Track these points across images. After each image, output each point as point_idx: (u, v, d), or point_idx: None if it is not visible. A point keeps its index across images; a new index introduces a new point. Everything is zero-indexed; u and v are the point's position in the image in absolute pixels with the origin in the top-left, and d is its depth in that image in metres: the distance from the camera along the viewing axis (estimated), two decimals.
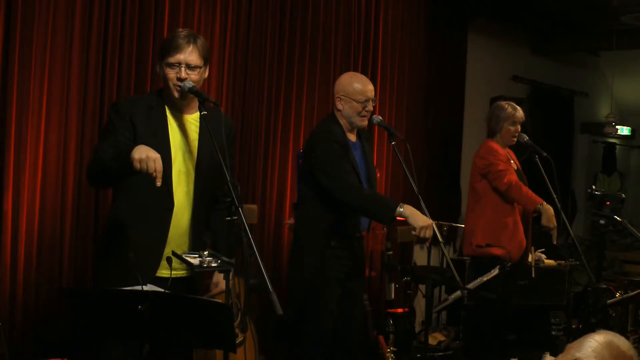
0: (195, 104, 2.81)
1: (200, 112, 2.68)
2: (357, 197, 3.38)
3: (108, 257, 2.84)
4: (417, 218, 3.25)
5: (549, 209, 4.17)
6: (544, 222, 4.17)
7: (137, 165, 2.45)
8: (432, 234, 3.26)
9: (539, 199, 4.21)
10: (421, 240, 3.48)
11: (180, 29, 2.87)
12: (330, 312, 3.53)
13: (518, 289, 4.60)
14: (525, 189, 4.27)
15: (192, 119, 2.85)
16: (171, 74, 2.73)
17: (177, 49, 2.73)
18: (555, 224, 4.17)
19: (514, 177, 4.30)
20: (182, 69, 2.73)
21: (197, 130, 2.84)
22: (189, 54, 2.74)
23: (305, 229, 3.60)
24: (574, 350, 1.87)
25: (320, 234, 3.51)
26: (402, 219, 3.31)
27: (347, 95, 3.53)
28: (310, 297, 3.54)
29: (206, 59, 2.81)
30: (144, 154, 2.45)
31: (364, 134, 3.70)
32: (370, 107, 3.54)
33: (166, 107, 2.81)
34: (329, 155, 3.44)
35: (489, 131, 4.50)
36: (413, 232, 3.27)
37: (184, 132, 2.81)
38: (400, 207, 3.26)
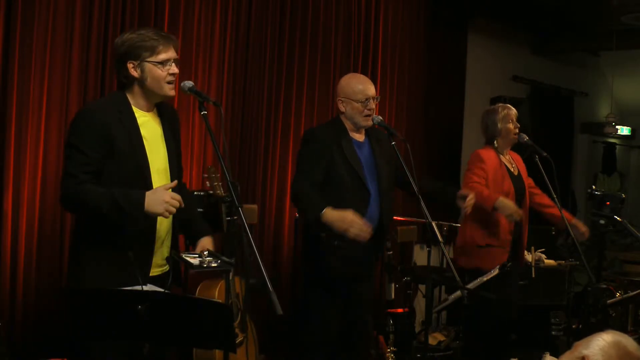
0: (154, 101, 2.80)
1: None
2: (297, 188, 3.48)
3: (92, 258, 2.72)
4: (337, 224, 3.29)
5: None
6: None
7: (169, 213, 2.58)
8: (358, 229, 3.27)
9: (494, 196, 4.08)
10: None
11: (146, 29, 2.79)
12: (333, 313, 3.52)
13: (518, 289, 4.60)
14: (483, 191, 4.11)
15: (154, 115, 2.83)
16: (163, 72, 2.71)
17: (163, 46, 2.71)
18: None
19: (476, 184, 4.16)
20: (173, 65, 2.73)
21: (160, 126, 2.83)
22: (174, 50, 2.76)
23: (308, 227, 3.61)
24: (582, 348, 1.88)
25: (322, 232, 3.50)
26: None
27: (347, 96, 3.54)
28: (313, 296, 3.54)
29: None
30: (161, 205, 2.56)
31: (374, 134, 3.69)
32: (371, 105, 3.53)
33: (133, 108, 2.77)
34: (302, 155, 3.56)
35: (487, 139, 4.40)
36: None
37: (152, 131, 2.80)
38: (323, 212, 3.30)
